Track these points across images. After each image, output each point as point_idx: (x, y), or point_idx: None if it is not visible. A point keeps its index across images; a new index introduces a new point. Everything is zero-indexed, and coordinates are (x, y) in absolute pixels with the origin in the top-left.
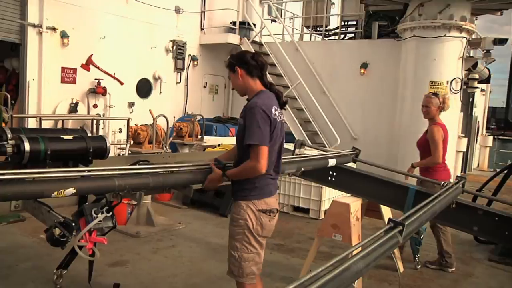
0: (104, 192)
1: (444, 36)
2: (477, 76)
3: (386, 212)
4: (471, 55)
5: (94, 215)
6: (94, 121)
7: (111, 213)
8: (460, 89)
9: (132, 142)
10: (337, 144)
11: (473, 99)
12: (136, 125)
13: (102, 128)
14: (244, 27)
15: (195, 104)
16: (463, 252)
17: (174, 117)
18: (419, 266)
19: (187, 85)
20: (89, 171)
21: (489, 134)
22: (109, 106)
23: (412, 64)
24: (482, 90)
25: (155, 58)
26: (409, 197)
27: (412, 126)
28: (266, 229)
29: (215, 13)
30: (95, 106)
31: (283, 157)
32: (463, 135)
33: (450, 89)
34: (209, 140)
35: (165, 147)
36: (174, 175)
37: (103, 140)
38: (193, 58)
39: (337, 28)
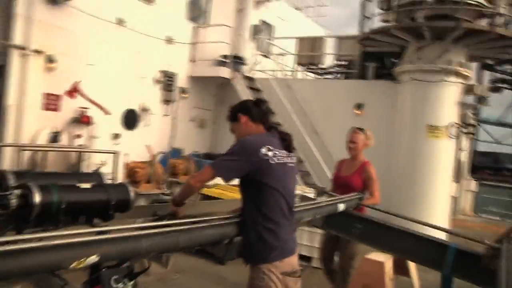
0: (131, 257)
1: (443, 81)
2: (473, 122)
3: (413, 268)
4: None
5: (114, 286)
6: (79, 153)
7: (133, 282)
8: (457, 134)
9: (127, 181)
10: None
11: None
12: (133, 161)
13: (84, 161)
14: (236, 61)
15: (182, 137)
16: None
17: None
18: None
19: (174, 117)
20: (106, 231)
21: (474, 179)
22: (93, 137)
23: (410, 107)
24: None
25: (143, 88)
26: (449, 256)
27: (409, 170)
28: None
29: (206, 45)
30: (78, 136)
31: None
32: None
33: (447, 134)
34: None
35: (164, 187)
36: (204, 231)
37: (125, 189)
38: (183, 90)
39: (331, 67)
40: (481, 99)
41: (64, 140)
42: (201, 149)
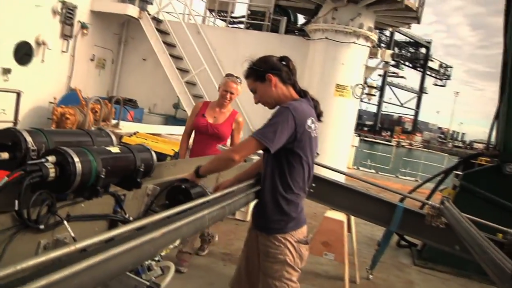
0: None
1: (354, 42)
2: (375, 84)
3: (353, 224)
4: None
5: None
6: None
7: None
8: (361, 95)
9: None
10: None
11: None
12: (62, 107)
13: None
14: None
15: (80, 78)
16: (391, 257)
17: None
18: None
19: (73, 55)
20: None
21: (357, 135)
22: None
23: (320, 65)
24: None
25: (39, 19)
26: (397, 214)
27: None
28: (304, 260)
29: None
30: None
31: None
32: None
33: (353, 94)
34: (123, 126)
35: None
36: (240, 201)
37: (149, 153)
38: (83, 26)
39: (243, 16)
40: (385, 64)
41: None
42: (100, 91)
